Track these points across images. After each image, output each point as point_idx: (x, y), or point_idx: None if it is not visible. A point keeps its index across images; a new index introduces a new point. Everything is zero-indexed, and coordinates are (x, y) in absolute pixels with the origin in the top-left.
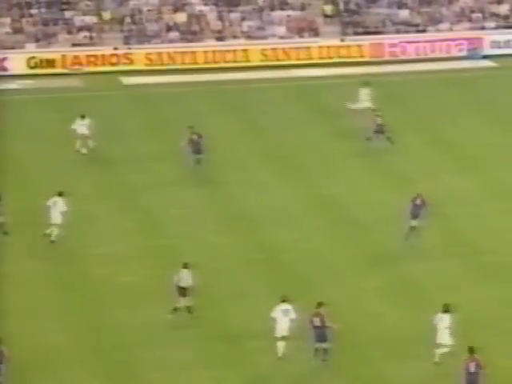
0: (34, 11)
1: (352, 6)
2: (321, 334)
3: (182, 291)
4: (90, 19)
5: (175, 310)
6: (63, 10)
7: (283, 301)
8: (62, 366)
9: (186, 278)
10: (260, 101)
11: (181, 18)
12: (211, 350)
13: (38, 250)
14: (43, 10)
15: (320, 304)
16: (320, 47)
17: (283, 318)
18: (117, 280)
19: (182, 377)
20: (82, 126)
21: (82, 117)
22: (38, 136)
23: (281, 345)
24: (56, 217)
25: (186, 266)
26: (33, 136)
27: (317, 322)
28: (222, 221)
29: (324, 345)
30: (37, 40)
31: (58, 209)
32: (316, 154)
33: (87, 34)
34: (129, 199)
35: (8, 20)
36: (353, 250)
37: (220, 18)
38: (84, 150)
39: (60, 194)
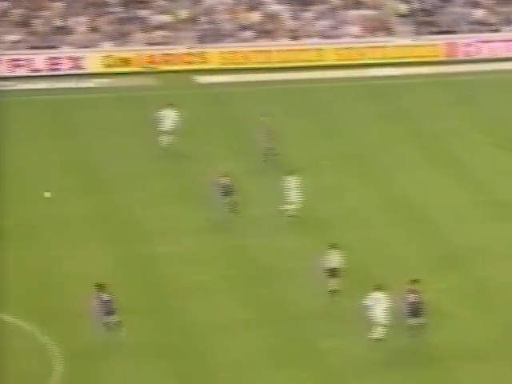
0: (110, 10)
1: (426, 6)
2: (416, 310)
3: (332, 272)
4: (166, 18)
5: (331, 292)
6: (139, 9)
7: (376, 289)
8: (134, 361)
9: (334, 259)
10: (333, 100)
11: (255, 17)
12: (283, 349)
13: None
14: (119, 9)
15: (415, 281)
16: (394, 46)
17: (376, 305)
18: (188, 279)
19: (253, 376)
20: (167, 120)
21: (170, 105)
22: (112, 133)
23: (375, 329)
24: None
25: (334, 247)
26: (108, 133)
27: (412, 298)
28: (294, 221)
29: (420, 320)
30: (112, 39)
31: None
32: (389, 154)
33: (162, 33)
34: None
35: (84, 19)
36: (425, 251)
37: (294, 18)
38: (165, 144)
39: None
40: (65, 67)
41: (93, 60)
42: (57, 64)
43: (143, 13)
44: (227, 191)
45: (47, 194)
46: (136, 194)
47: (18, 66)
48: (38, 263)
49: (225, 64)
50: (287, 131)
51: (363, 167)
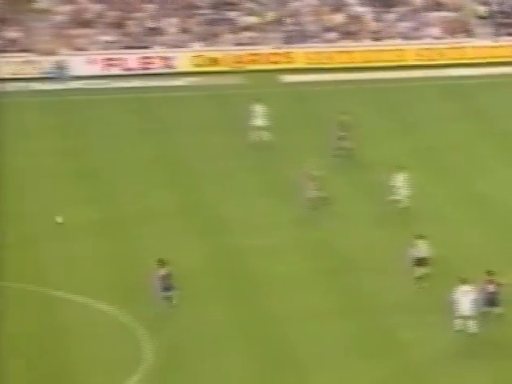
0: (199, 12)
1: (505, 8)
2: (493, 300)
3: (420, 262)
4: (253, 20)
5: (417, 279)
6: (227, 10)
7: (463, 282)
8: (220, 350)
9: (422, 249)
10: (414, 99)
11: (339, 18)
12: (365, 339)
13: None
14: (209, 11)
15: (492, 272)
16: (473, 47)
17: (464, 298)
18: (273, 270)
19: (335, 365)
20: (256, 116)
21: (258, 100)
22: (201, 130)
23: (462, 322)
24: None
25: (421, 237)
26: (197, 130)
27: (491, 288)
28: (376, 215)
29: (497, 309)
30: (202, 39)
31: None
32: (469, 153)
33: (250, 33)
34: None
35: (175, 20)
36: (503, 244)
37: (377, 19)
38: (254, 140)
39: None
40: (156, 66)
41: (183, 60)
42: (149, 63)
43: (231, 14)
44: (313, 187)
45: (59, 220)
46: (224, 188)
47: (112, 65)
48: (129, 255)
49: (309, 64)
50: (368, 129)
51: (442, 164)
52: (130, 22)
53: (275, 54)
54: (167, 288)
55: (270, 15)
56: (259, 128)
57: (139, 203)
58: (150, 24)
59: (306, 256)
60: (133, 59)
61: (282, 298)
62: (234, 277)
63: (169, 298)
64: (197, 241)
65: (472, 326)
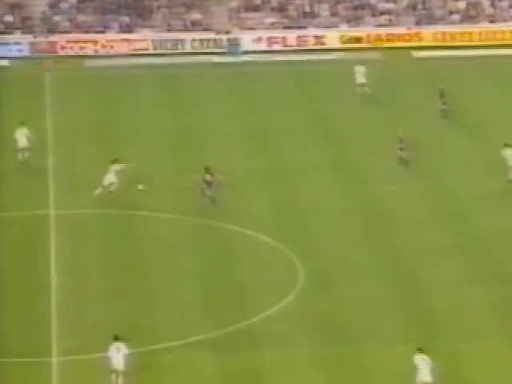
0: None
1: None
2: None
3: None
4: (390, 5)
5: None
6: None
7: None
8: (359, 275)
9: None
10: None
11: (461, 5)
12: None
13: None
14: None
15: None
16: None
17: None
18: (403, 212)
19: (474, 330)
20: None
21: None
22: (345, 96)
23: None
24: None
25: None
26: (342, 95)
27: None
28: (486, 165)
29: None
30: (348, 21)
31: None
32: None
33: (387, 17)
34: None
35: (327, 6)
36: None
37: (493, 5)
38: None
39: None
40: (311, 43)
41: (332, 38)
42: (304, 41)
43: (373, 1)
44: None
45: (140, 187)
46: (366, 145)
47: (275, 42)
48: (287, 199)
49: (436, 42)
50: (479, 98)
51: None
52: (290, 7)
53: (408, 34)
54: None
55: (405, 1)
56: (362, 84)
57: (297, 156)
58: (307, 8)
59: (430, 200)
60: (292, 38)
61: (412, 235)
62: (372, 217)
63: (211, 198)
64: (342, 189)
65: None
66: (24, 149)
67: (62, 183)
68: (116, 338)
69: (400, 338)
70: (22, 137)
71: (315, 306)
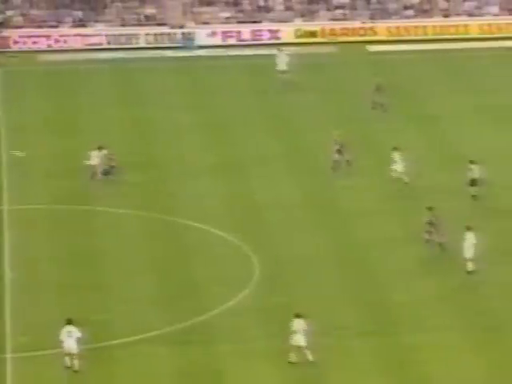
0: None
1: None
2: None
3: None
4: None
5: None
6: None
7: None
8: (315, 267)
9: None
10: (477, 66)
11: None
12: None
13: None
14: None
15: None
16: None
17: None
18: (354, 206)
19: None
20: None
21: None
22: (299, 89)
23: None
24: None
25: None
26: (296, 88)
27: None
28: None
29: None
30: (302, 15)
31: None
32: None
33: (342, 11)
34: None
35: (281, 0)
36: None
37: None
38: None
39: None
40: (265, 38)
41: (287, 32)
42: (259, 35)
43: None
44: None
45: (18, 153)
46: (322, 136)
47: (229, 36)
48: (241, 192)
49: (390, 36)
50: (437, 90)
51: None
52: (244, 1)
53: (362, 28)
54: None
55: None
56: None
57: (251, 149)
58: (261, 3)
59: (379, 193)
60: (246, 32)
61: (364, 227)
62: (326, 210)
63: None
64: (296, 181)
65: None
66: None
67: (15, 178)
68: (68, 322)
69: (356, 331)
70: None
71: (270, 299)
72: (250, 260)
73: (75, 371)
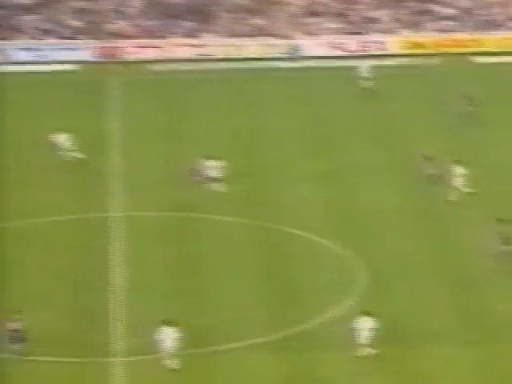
0: (407, 5)
1: None
2: None
3: None
4: (451, 11)
5: None
6: (431, 3)
7: None
8: (414, 274)
9: None
10: None
11: None
12: None
13: None
14: (414, 3)
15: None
16: None
17: None
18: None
19: None
20: None
21: None
22: (408, 98)
23: None
24: None
25: None
26: (405, 98)
27: None
28: None
29: None
30: (409, 27)
31: None
32: None
33: (448, 22)
34: None
35: (387, 12)
36: None
37: None
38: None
39: None
40: (372, 49)
41: (393, 44)
42: (365, 47)
43: (433, 7)
44: None
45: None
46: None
47: (336, 47)
48: (343, 200)
49: (498, 48)
50: None
51: None
52: (350, 13)
53: (469, 39)
54: None
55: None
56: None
57: (352, 157)
58: (368, 14)
59: None
60: (353, 43)
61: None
62: (428, 216)
63: None
64: (396, 189)
65: None
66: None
67: (126, 185)
68: (168, 324)
69: (458, 340)
70: (67, 139)
71: (372, 307)
72: (352, 267)
73: (176, 373)
